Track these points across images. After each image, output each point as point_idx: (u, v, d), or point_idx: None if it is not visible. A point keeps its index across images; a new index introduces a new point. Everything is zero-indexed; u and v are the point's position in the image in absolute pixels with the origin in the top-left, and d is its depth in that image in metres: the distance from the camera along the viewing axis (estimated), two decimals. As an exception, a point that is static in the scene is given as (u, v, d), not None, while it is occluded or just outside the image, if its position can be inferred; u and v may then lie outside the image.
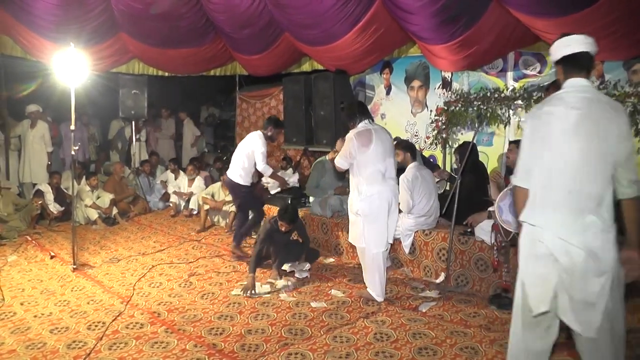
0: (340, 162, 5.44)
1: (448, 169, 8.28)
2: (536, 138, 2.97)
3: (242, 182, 6.90)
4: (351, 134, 5.31)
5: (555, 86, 4.24)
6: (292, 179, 6.97)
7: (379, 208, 5.21)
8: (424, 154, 8.46)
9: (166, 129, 13.00)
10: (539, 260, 2.89)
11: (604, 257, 2.75)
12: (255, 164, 6.85)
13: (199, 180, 10.04)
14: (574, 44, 2.96)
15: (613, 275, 2.76)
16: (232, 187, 7.02)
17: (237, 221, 7.27)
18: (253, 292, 5.61)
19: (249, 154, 6.84)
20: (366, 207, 5.23)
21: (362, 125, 5.34)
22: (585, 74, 2.97)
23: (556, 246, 2.81)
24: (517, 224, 4.37)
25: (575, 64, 2.98)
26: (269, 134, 6.92)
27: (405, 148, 6.25)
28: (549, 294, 2.85)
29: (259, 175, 7.39)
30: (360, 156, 5.21)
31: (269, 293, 5.66)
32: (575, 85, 2.94)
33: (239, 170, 6.88)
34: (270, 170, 6.94)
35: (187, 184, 10.07)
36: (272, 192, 7.11)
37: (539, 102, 3.22)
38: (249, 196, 7.11)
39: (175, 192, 10.05)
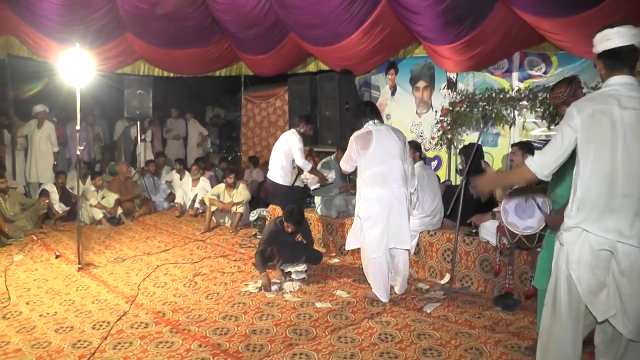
0: (344, 166, 5.44)
1: (453, 170, 8.28)
2: (590, 138, 2.80)
3: (282, 182, 6.90)
4: (352, 137, 5.29)
5: (562, 85, 4.14)
6: (331, 174, 6.97)
7: (379, 213, 5.14)
8: (429, 154, 8.46)
9: (175, 129, 13.01)
10: (596, 267, 2.79)
11: None
12: (292, 161, 6.86)
13: (203, 181, 10.05)
14: (615, 37, 2.79)
15: None
16: (274, 187, 6.99)
17: None
18: (269, 289, 5.69)
19: (286, 152, 6.83)
20: (365, 211, 5.20)
21: (366, 126, 5.29)
22: (628, 70, 2.81)
23: (616, 249, 2.74)
24: (524, 226, 4.39)
25: (617, 60, 2.82)
26: (302, 130, 6.91)
27: (414, 147, 6.23)
28: (611, 299, 2.78)
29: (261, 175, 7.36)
30: (360, 159, 5.18)
31: (278, 290, 5.72)
32: (622, 83, 2.80)
33: (278, 170, 6.89)
34: (309, 165, 6.91)
35: (192, 184, 10.09)
36: (312, 187, 7.12)
37: (583, 96, 3.03)
38: (291, 197, 7.09)
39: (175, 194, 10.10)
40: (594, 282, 2.80)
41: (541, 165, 2.97)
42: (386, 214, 5.14)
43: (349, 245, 5.59)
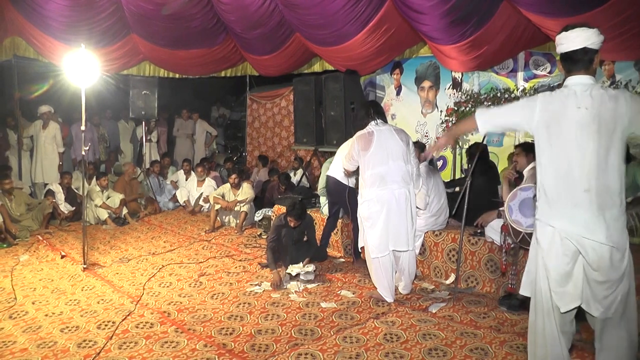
0: (346, 165, 5.43)
1: (458, 170, 8.27)
2: (549, 137, 2.93)
3: (346, 182, 6.58)
4: (354, 136, 5.28)
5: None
6: None
7: (378, 213, 5.13)
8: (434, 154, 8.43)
9: (185, 129, 13.05)
10: (565, 255, 2.89)
11: (623, 244, 2.84)
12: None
13: (209, 181, 10.08)
14: (567, 41, 2.91)
15: (628, 258, 2.87)
16: (336, 185, 6.67)
17: (327, 227, 7.01)
18: (279, 286, 5.78)
19: None
20: (365, 211, 5.22)
21: (368, 126, 5.26)
22: (584, 71, 2.92)
23: (582, 245, 2.83)
24: (528, 224, 4.38)
25: (570, 62, 2.94)
26: None
27: (419, 148, 6.22)
28: (578, 290, 2.89)
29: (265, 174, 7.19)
30: (361, 159, 5.17)
31: (283, 289, 5.77)
32: (577, 83, 2.91)
33: (343, 170, 6.56)
34: None
35: (197, 184, 10.11)
36: None
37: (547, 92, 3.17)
38: (352, 195, 6.93)
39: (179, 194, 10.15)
40: (562, 271, 2.90)
41: (485, 120, 3.20)
42: (385, 214, 5.12)
43: (360, 244, 5.59)
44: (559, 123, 2.89)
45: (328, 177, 6.75)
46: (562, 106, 2.89)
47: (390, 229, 5.15)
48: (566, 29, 2.92)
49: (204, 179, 10.12)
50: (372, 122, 5.27)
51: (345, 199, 6.53)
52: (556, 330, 2.98)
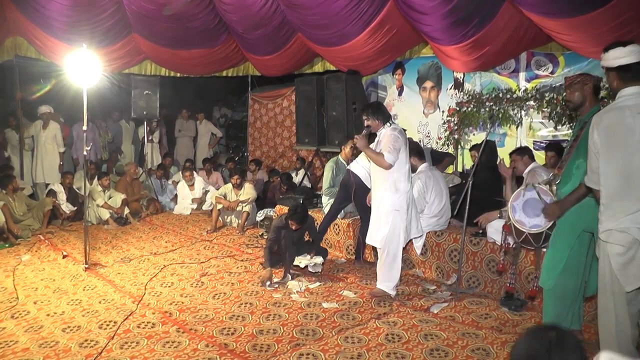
0: (391, 159, 5.21)
1: (460, 169, 8.26)
2: (608, 146, 3.20)
3: (369, 185, 6.31)
4: (394, 132, 5.31)
5: (579, 74, 4.22)
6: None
7: (409, 205, 5.40)
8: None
9: (186, 129, 13.04)
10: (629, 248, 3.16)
11: None
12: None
13: (199, 183, 10.08)
14: (630, 55, 3.24)
15: None
16: (360, 187, 6.48)
17: (327, 219, 6.99)
18: (269, 283, 5.82)
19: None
20: (403, 203, 5.35)
21: (395, 125, 5.51)
22: (638, 82, 3.24)
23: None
24: (532, 224, 4.37)
25: (630, 73, 3.26)
26: None
27: (415, 153, 6.19)
28: None
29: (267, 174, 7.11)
30: (402, 154, 5.30)
31: (278, 287, 5.80)
32: (633, 93, 3.22)
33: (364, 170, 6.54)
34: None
35: (189, 189, 10.09)
36: None
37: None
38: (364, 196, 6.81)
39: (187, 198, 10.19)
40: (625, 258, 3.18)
41: (588, 179, 3.42)
42: (411, 206, 5.47)
43: (378, 239, 5.53)
44: (615, 134, 3.19)
45: (353, 175, 6.59)
46: (618, 118, 3.19)
47: (412, 219, 5.50)
48: (623, 44, 3.30)
49: (193, 183, 10.09)
50: (392, 122, 5.54)
51: (363, 200, 6.36)
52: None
